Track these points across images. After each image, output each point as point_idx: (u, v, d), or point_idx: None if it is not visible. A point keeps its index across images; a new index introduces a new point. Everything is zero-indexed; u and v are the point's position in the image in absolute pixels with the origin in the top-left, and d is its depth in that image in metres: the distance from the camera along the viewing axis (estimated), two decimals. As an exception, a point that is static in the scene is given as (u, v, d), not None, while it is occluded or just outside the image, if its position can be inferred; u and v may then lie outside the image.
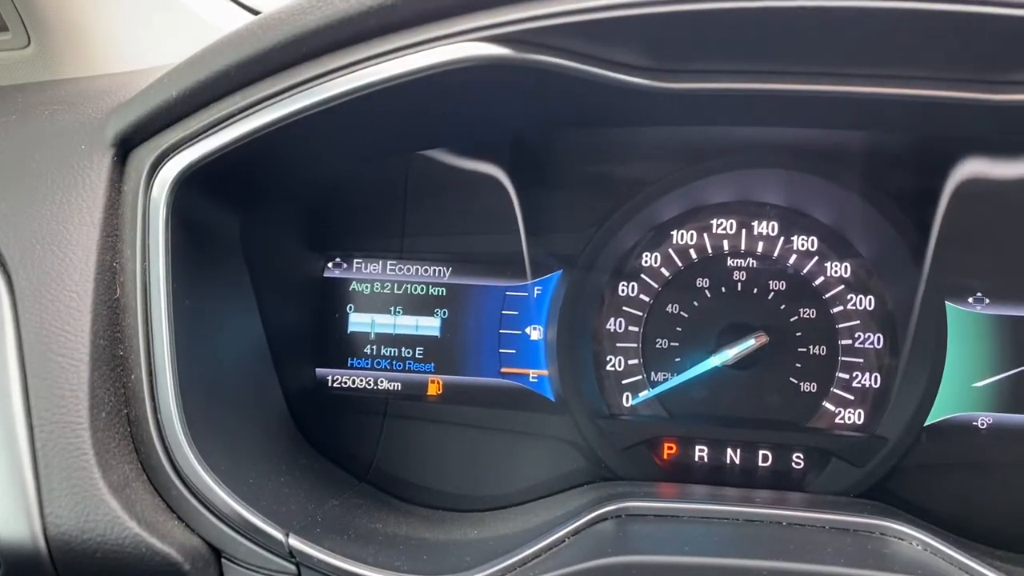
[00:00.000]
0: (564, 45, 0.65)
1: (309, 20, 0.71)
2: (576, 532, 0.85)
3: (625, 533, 0.87)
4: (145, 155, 0.82)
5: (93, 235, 0.81)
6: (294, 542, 0.76)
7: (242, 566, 0.78)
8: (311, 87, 0.73)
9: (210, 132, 0.79)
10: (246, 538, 0.77)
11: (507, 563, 0.79)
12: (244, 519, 0.76)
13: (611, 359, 1.06)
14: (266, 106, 0.75)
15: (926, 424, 1.00)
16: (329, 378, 1.08)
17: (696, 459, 1.04)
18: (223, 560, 0.79)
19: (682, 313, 1.05)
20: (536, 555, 0.81)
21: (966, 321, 1.01)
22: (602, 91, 0.73)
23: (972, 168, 0.98)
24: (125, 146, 0.84)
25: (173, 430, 0.78)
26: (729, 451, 1.03)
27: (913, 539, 0.84)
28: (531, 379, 1.06)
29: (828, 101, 0.73)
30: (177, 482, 0.77)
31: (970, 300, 1.01)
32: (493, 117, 0.94)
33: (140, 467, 0.79)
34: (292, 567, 0.77)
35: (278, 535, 0.76)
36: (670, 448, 1.04)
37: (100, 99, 0.93)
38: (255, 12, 1.39)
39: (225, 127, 0.78)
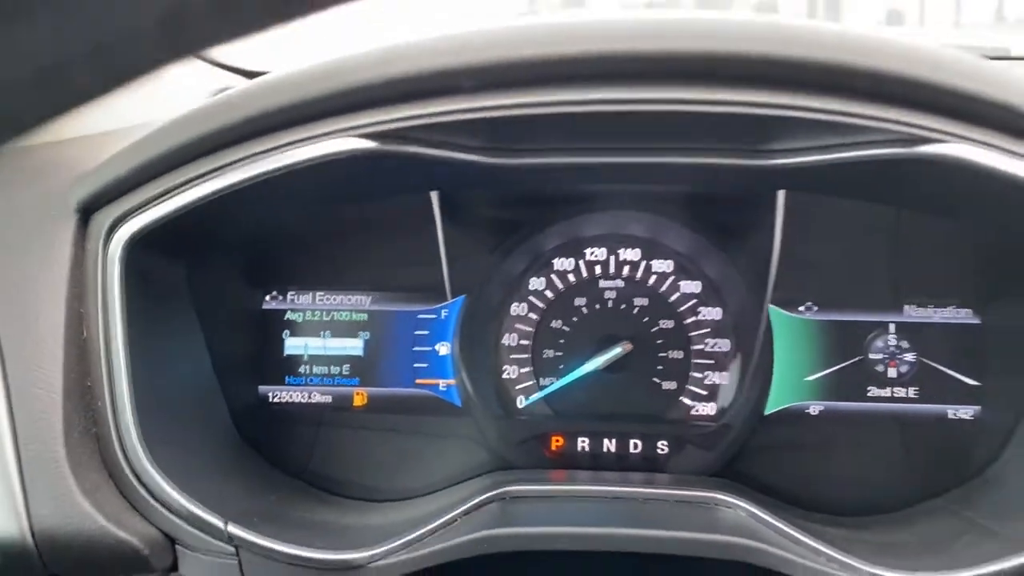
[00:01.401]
0: (420, 136, 0.85)
1: (225, 118, 0.91)
2: (467, 512, 1.05)
3: (507, 511, 1.07)
4: (103, 219, 1.01)
5: (62, 288, 1.00)
6: (232, 528, 0.96)
7: (191, 550, 0.98)
8: (231, 169, 0.92)
9: (156, 202, 0.98)
10: (193, 527, 0.96)
11: (406, 539, 0.99)
12: (190, 511, 0.95)
13: (507, 368, 1.26)
14: (195, 184, 0.94)
15: (766, 413, 1.21)
16: (269, 394, 1.27)
17: (579, 449, 1.24)
18: (177, 546, 0.98)
19: (564, 328, 1.25)
20: (431, 531, 1.01)
21: (798, 326, 1.22)
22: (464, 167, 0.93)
23: (795, 202, 1.18)
24: (87, 212, 1.03)
25: (132, 445, 0.97)
26: (606, 441, 1.23)
27: (739, 508, 1.05)
28: (441, 388, 1.26)
29: (644, 166, 0.94)
30: (137, 486, 0.96)
31: (801, 308, 1.22)
32: (402, 180, 1.14)
33: (107, 474, 0.98)
34: (232, 549, 0.97)
35: (219, 523, 0.95)
36: (557, 441, 1.24)
37: (67, 168, 1.12)
38: (233, 69, 1.56)
39: (167, 199, 0.97)
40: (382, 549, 0.97)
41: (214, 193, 0.95)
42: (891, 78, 0.76)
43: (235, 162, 0.93)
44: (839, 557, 0.95)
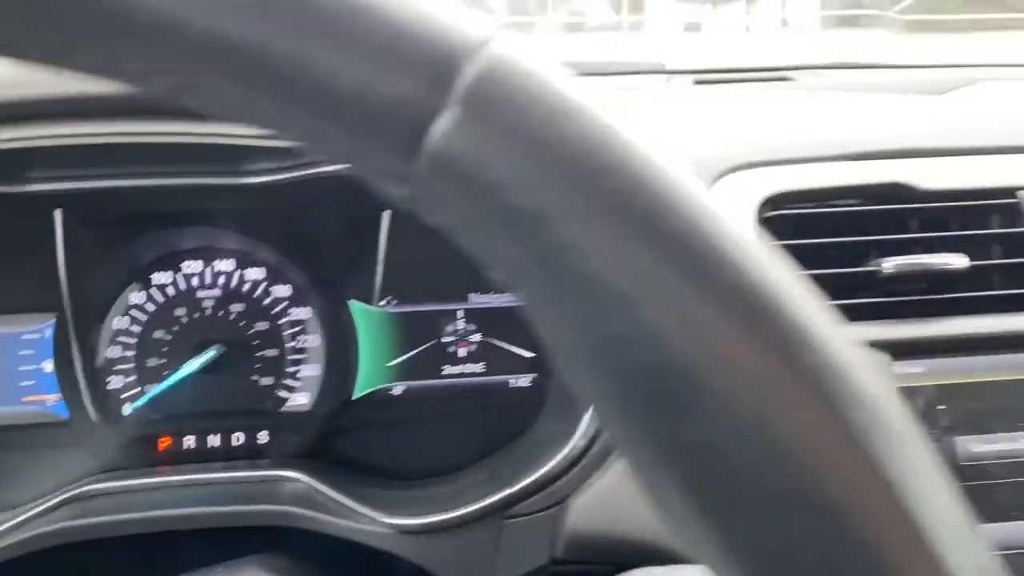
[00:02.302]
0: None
1: None
2: (45, 512, 1.13)
3: (86, 508, 1.16)
4: None
5: None
6: None
7: None
8: None
9: None
10: None
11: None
12: None
13: (111, 379, 1.34)
14: None
15: (354, 397, 1.37)
16: None
17: (186, 448, 1.35)
18: None
19: (166, 337, 1.35)
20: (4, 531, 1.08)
21: (379, 318, 1.39)
22: None
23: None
24: None
25: None
26: (211, 438, 1.35)
27: (301, 481, 1.20)
28: (49, 404, 1.33)
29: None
30: None
31: (383, 303, 1.39)
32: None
33: None
34: None
35: None
36: (165, 442, 1.35)
37: None
38: None
39: None
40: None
41: None
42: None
43: None
44: (363, 512, 1.12)
